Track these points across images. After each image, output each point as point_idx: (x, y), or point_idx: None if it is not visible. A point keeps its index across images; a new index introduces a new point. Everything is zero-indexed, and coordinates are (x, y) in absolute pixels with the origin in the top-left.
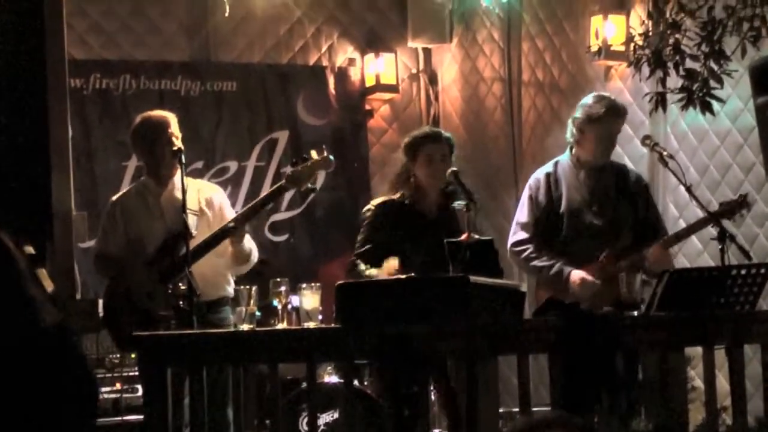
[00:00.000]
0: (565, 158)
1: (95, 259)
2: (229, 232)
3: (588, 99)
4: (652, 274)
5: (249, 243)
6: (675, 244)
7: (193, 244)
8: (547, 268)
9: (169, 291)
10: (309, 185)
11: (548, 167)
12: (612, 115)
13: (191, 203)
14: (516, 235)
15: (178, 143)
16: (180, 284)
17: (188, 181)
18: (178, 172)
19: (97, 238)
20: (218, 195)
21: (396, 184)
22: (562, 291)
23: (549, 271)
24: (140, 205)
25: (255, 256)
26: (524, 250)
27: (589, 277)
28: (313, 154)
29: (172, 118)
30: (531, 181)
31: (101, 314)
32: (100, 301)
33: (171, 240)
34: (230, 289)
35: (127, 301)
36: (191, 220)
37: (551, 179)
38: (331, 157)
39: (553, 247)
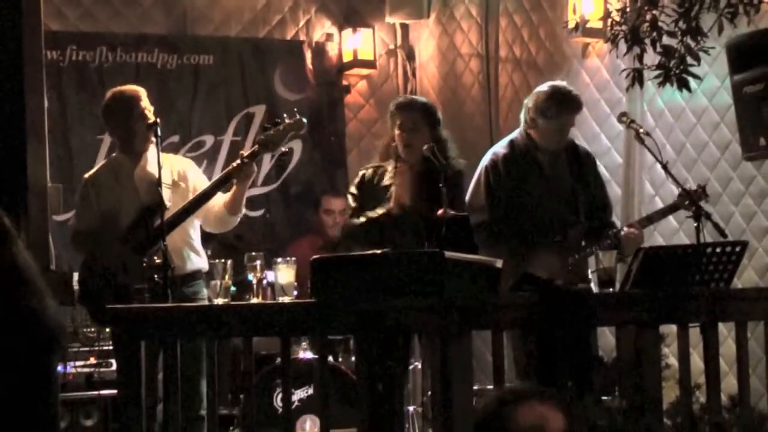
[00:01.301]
0: (518, 137)
1: (72, 236)
2: (239, 169)
3: (543, 87)
4: (625, 255)
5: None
6: (649, 224)
7: (168, 217)
8: (507, 251)
9: (144, 264)
10: (283, 149)
11: (503, 147)
12: (563, 112)
13: (165, 177)
14: (472, 219)
15: (151, 116)
16: (155, 257)
17: (161, 155)
18: (152, 147)
19: (72, 215)
20: (191, 168)
21: (383, 154)
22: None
23: (510, 254)
24: (113, 180)
25: (242, 212)
26: (479, 233)
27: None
28: (286, 118)
29: (142, 92)
30: (486, 161)
31: (77, 288)
32: (75, 274)
33: (146, 213)
34: (203, 263)
35: (103, 275)
36: (165, 194)
37: (509, 160)
38: (304, 120)
39: (510, 229)
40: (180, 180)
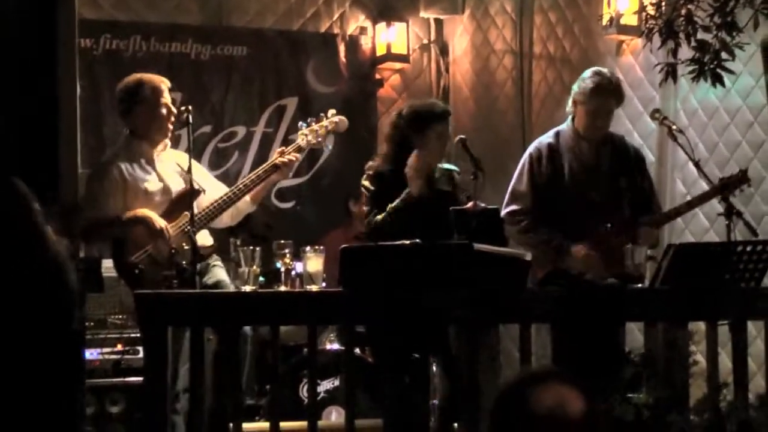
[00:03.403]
0: (565, 128)
1: (91, 224)
2: (286, 164)
3: (586, 73)
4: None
5: None
6: (676, 218)
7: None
8: (545, 241)
9: (173, 251)
10: (323, 146)
11: (550, 137)
12: (600, 92)
13: (173, 176)
14: (511, 205)
15: (173, 108)
16: (183, 244)
17: (169, 150)
18: (166, 138)
19: (89, 203)
20: (196, 164)
21: (392, 154)
22: (560, 264)
23: (547, 245)
24: (137, 166)
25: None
26: (519, 221)
27: (592, 252)
28: (329, 115)
29: (167, 83)
30: (531, 149)
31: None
32: (104, 261)
33: (188, 198)
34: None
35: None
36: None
37: (552, 150)
38: (346, 121)
39: (550, 220)
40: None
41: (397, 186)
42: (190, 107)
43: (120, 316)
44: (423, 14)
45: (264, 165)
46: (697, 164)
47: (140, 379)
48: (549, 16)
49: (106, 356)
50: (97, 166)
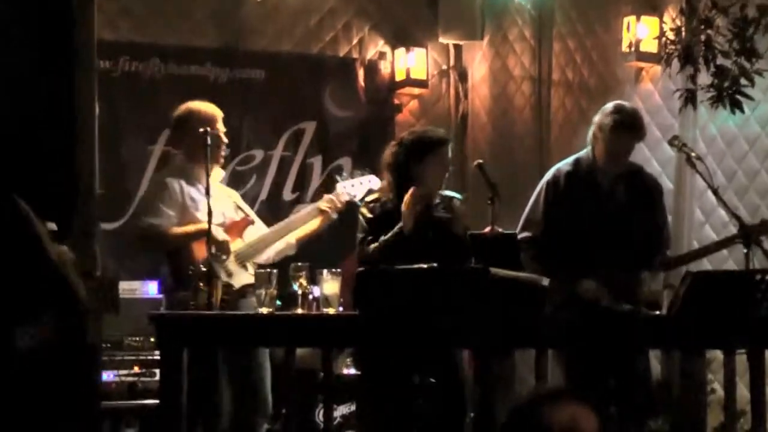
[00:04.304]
0: (584, 156)
1: (149, 232)
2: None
3: (608, 106)
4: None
5: None
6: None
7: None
8: (554, 272)
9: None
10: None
11: (568, 164)
12: (621, 130)
13: (228, 203)
14: (523, 232)
15: (225, 137)
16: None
17: (219, 186)
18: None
19: (149, 213)
20: (241, 201)
21: (392, 183)
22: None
23: (555, 276)
24: (193, 187)
25: None
26: (529, 248)
27: (601, 289)
28: (364, 174)
29: (219, 113)
30: (549, 176)
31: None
32: (120, 283)
33: (240, 227)
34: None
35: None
36: (238, 214)
37: (570, 178)
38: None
39: (562, 248)
40: (238, 209)
41: (396, 215)
42: (208, 129)
43: (137, 338)
44: (442, 40)
45: (308, 207)
46: (715, 192)
47: (156, 401)
48: (568, 42)
49: (123, 378)
50: (158, 177)
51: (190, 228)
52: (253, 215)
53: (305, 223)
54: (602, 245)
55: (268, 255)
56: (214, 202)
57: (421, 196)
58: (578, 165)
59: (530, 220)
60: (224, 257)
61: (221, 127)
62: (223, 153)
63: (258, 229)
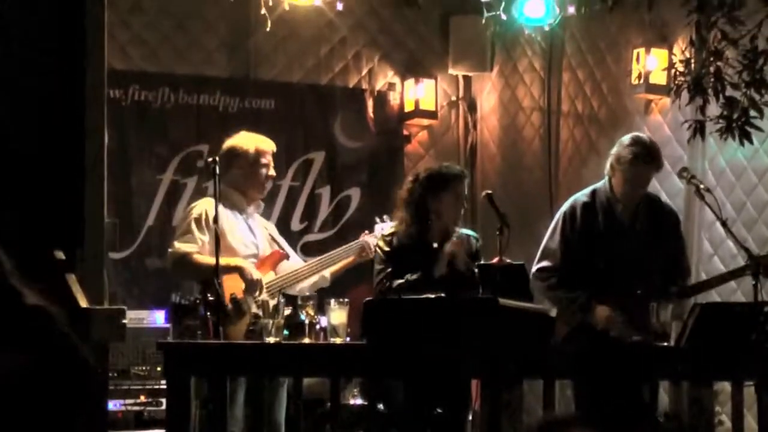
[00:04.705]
0: (601, 187)
1: (185, 260)
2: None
3: (626, 138)
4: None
5: None
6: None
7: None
8: (571, 299)
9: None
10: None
11: (585, 195)
12: (639, 162)
13: (263, 234)
14: (541, 262)
15: (272, 171)
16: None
17: (256, 216)
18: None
19: (185, 239)
20: (276, 232)
21: (408, 218)
22: (585, 321)
23: (573, 303)
24: (239, 219)
25: None
26: (548, 278)
27: (615, 313)
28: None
29: (268, 144)
30: (566, 207)
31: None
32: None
33: (275, 259)
34: None
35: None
36: (272, 246)
37: (587, 209)
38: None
39: (579, 277)
40: (273, 241)
41: (412, 250)
42: (217, 158)
43: (143, 367)
44: (451, 71)
45: (351, 244)
46: (724, 224)
47: (163, 431)
48: (577, 74)
49: (129, 407)
50: (196, 203)
51: (224, 261)
52: (288, 248)
53: (342, 259)
54: (620, 275)
55: (301, 287)
56: (250, 232)
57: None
58: (595, 196)
59: (547, 249)
60: (257, 294)
61: (268, 159)
62: (267, 186)
63: (293, 262)
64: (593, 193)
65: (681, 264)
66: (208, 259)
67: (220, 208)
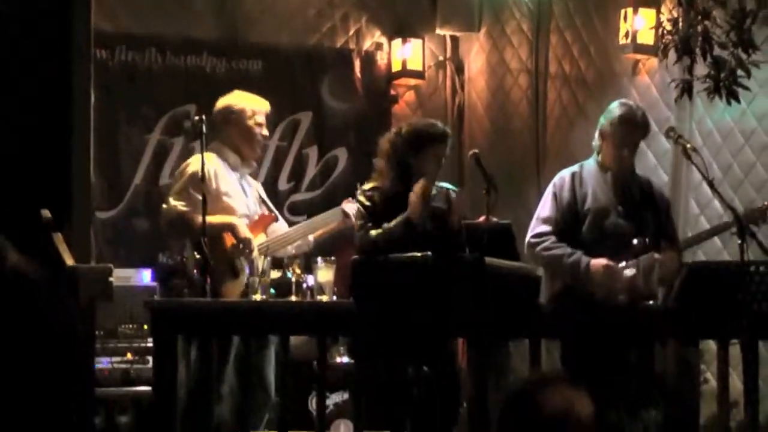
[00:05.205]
0: (590, 161)
1: (181, 219)
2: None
3: (613, 104)
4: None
5: None
6: (694, 245)
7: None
8: (567, 255)
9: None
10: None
11: (574, 167)
12: (627, 122)
13: (255, 196)
14: (536, 228)
15: (265, 131)
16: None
17: (248, 177)
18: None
19: (182, 200)
20: (263, 193)
21: (388, 172)
22: (579, 281)
23: (568, 259)
24: (234, 178)
25: None
26: (543, 241)
27: (612, 263)
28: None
29: (261, 104)
30: (556, 179)
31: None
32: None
33: (266, 222)
34: None
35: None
36: (262, 207)
37: (576, 178)
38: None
39: (573, 246)
40: (263, 203)
41: (392, 203)
42: (203, 118)
43: (130, 326)
44: (439, 31)
45: (335, 209)
46: (711, 184)
47: (149, 388)
48: (565, 35)
49: (116, 365)
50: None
51: (217, 219)
52: (274, 210)
53: (327, 224)
54: (611, 242)
55: (287, 251)
56: (243, 193)
57: (429, 187)
58: (583, 168)
59: (541, 218)
60: (248, 251)
61: (260, 119)
62: (261, 146)
63: (280, 224)
64: (581, 166)
65: (672, 235)
66: (201, 221)
67: (221, 165)
